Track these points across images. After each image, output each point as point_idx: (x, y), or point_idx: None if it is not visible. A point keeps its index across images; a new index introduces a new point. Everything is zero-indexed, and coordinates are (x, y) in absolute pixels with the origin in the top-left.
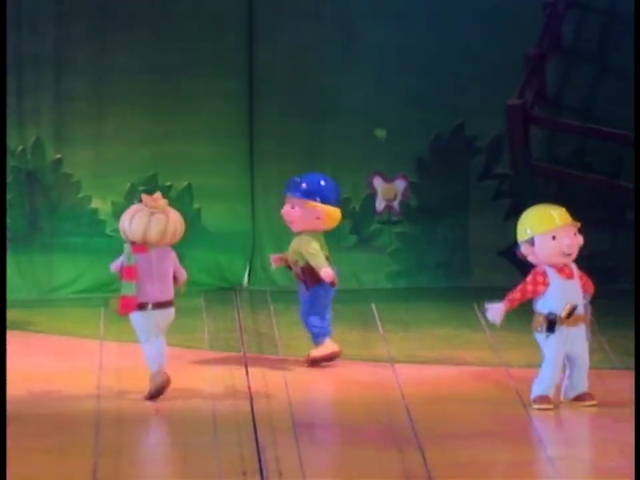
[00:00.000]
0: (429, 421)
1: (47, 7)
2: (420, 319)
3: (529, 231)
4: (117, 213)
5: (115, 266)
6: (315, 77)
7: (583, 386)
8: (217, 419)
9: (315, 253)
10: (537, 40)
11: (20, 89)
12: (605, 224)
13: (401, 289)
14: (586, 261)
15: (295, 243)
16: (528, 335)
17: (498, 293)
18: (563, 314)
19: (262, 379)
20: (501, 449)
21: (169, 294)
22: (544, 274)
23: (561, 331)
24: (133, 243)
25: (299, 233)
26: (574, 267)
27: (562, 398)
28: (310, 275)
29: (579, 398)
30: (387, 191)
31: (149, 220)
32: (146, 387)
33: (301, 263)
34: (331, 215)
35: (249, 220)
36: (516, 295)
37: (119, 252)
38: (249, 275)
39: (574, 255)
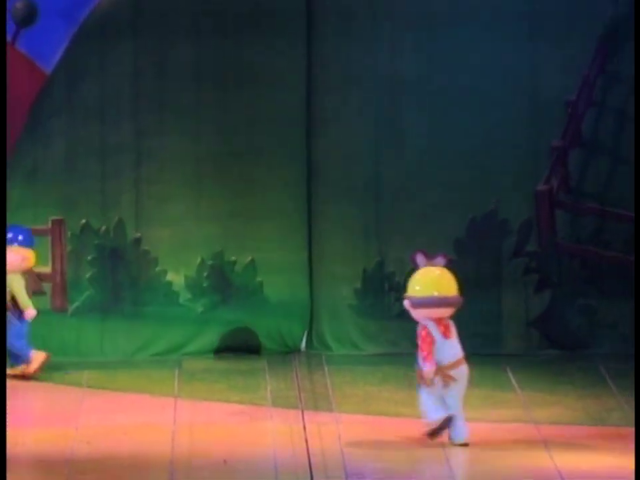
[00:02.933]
0: (467, 470)
1: (125, 103)
2: None
3: None
4: (189, 285)
5: None
6: (365, 163)
7: None
8: (278, 468)
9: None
10: (561, 133)
11: (103, 175)
12: (623, 295)
13: None
14: (608, 327)
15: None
16: (555, 396)
17: (528, 359)
18: None
19: (318, 433)
20: None
21: None
22: None
23: None
24: None
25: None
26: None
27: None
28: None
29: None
30: None
31: None
32: (219, 440)
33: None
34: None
35: (306, 290)
36: None
37: (191, 319)
38: (307, 340)
39: None
